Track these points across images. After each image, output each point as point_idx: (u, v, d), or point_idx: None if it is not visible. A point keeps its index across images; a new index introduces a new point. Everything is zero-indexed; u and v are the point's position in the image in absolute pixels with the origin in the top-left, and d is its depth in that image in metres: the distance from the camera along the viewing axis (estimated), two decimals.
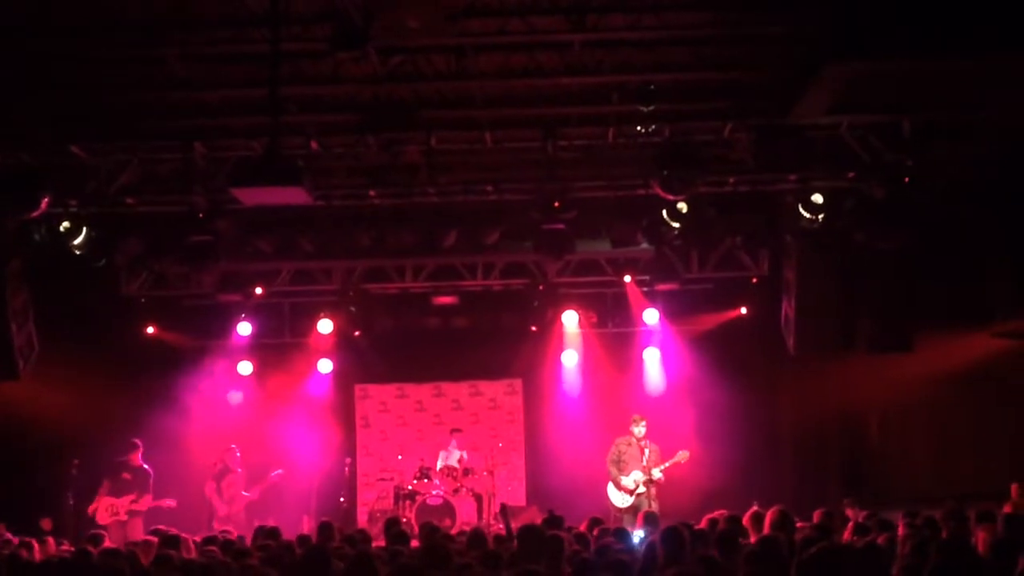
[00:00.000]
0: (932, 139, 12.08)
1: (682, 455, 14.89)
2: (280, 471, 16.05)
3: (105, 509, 14.63)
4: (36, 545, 10.61)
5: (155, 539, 10.21)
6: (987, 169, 12.37)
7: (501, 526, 14.71)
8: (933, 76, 10.28)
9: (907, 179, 12.05)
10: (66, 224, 13.14)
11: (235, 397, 17.56)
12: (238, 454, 15.90)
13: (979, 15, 9.54)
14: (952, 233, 13.31)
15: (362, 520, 16.75)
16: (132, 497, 14.70)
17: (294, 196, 10.68)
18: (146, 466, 15.04)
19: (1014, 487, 14.38)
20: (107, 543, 10.76)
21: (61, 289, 15.09)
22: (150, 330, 17.32)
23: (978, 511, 10.35)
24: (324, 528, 10.69)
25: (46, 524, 14.09)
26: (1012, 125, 11.87)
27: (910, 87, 10.54)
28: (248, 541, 10.64)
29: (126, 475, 14.84)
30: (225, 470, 15.70)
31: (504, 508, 12.47)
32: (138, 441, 15.12)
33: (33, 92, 11.36)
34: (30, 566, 8.87)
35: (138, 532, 13.72)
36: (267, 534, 10.73)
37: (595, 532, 10.17)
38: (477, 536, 9.20)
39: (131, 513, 14.67)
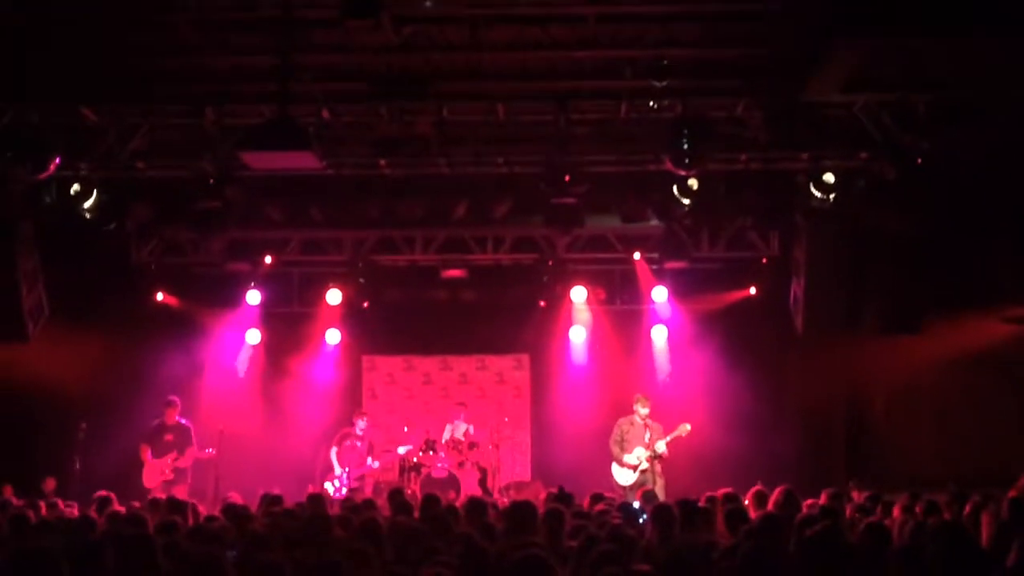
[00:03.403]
0: (946, 121, 12.00)
1: (683, 428, 14.80)
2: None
3: (151, 473, 14.71)
4: (43, 507, 10.68)
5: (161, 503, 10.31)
6: (1000, 153, 12.27)
7: (505, 500, 14.77)
8: (946, 54, 10.21)
9: (920, 160, 11.97)
10: (76, 187, 13.09)
11: (243, 365, 17.56)
12: (361, 426, 16.00)
13: None
14: (963, 216, 13.21)
15: (367, 491, 16.77)
16: (173, 455, 14.77)
17: (303, 161, 10.73)
18: (183, 421, 15.11)
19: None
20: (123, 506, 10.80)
21: (71, 253, 15.11)
22: (159, 296, 17.32)
23: (982, 495, 10.35)
24: (314, 499, 10.75)
25: (48, 484, 14.15)
26: None
27: (923, 66, 10.47)
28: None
29: (168, 436, 14.91)
30: (346, 435, 15.92)
31: None
32: (174, 398, 15.19)
33: (45, 52, 11.33)
34: (30, 526, 8.92)
35: (185, 491, 13.90)
36: (271, 501, 10.78)
37: (597, 508, 10.18)
38: (474, 506, 9.18)
39: (177, 471, 14.74)
